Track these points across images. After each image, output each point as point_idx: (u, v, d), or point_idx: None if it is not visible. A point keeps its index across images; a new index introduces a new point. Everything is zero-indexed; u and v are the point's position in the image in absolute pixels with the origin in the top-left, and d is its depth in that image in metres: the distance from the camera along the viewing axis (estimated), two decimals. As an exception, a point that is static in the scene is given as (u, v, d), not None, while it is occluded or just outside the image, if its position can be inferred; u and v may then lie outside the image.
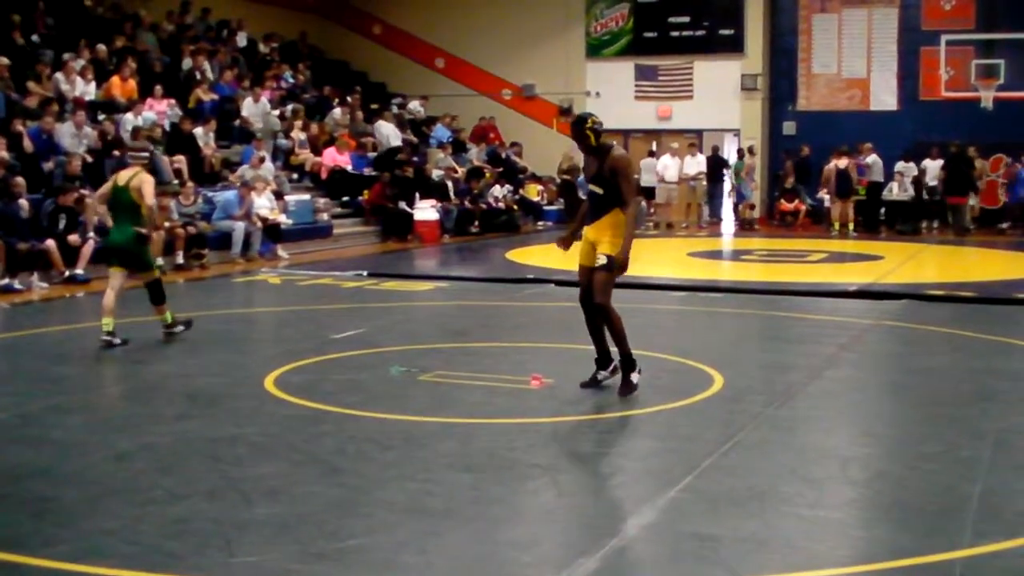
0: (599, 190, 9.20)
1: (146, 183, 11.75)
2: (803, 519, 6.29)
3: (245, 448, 7.66)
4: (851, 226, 27.00)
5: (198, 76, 25.48)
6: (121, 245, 11.98)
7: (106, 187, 12.28)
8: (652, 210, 29.56)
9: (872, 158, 27.47)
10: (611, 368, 9.44)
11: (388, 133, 27.66)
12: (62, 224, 16.91)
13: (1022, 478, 7.14)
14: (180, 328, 12.26)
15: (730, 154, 31.29)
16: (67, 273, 16.68)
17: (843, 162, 26.92)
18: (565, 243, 9.66)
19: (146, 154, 13.26)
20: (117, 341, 11.66)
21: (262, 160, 22.49)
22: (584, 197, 9.61)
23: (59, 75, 21.88)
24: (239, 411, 8.82)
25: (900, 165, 28.19)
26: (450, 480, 6.92)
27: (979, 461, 7.38)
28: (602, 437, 8.35)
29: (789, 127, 30.92)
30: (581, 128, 9.21)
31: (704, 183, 29.82)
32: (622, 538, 5.91)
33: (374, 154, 26.74)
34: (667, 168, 29.39)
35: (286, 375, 10.09)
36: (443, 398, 9.27)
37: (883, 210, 28.03)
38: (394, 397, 9.32)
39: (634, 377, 9.15)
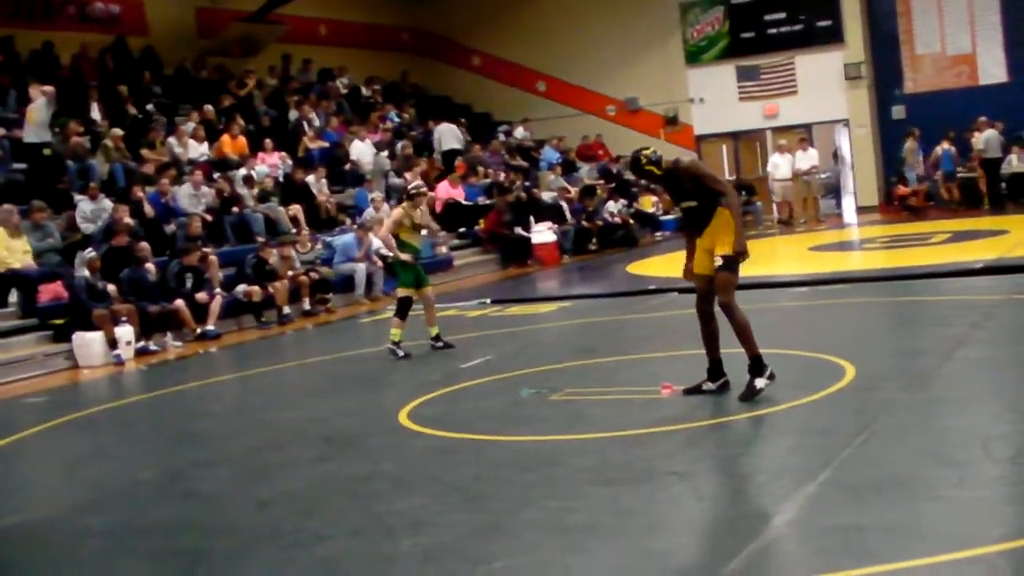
0: (693, 203, 9.20)
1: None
2: (948, 501, 6.21)
3: (385, 483, 7.76)
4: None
5: (305, 126, 25.88)
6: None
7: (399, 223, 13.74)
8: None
9: (986, 134, 26.93)
10: (720, 383, 9.36)
11: (443, 135, 28.00)
12: (189, 283, 17.27)
13: None
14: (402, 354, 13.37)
15: (841, 144, 31.01)
16: (198, 330, 17.03)
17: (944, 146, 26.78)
18: (689, 273, 9.56)
19: (424, 188, 14.57)
20: (440, 345, 13.56)
21: (383, 201, 22.73)
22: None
23: (172, 139, 22.37)
24: (376, 448, 8.94)
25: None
26: (590, 495, 6.95)
27: (1124, 426, 7.24)
28: (737, 439, 8.33)
29: (898, 111, 30.49)
30: (641, 168, 9.30)
31: (819, 177, 29.54)
32: (765, 538, 5.88)
33: (487, 181, 26.91)
34: (778, 167, 29.16)
35: (419, 408, 10.19)
36: (575, 415, 9.31)
37: (1003, 184, 27.46)
38: (527, 420, 9.38)
39: (759, 383, 8.98)
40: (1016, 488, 6.46)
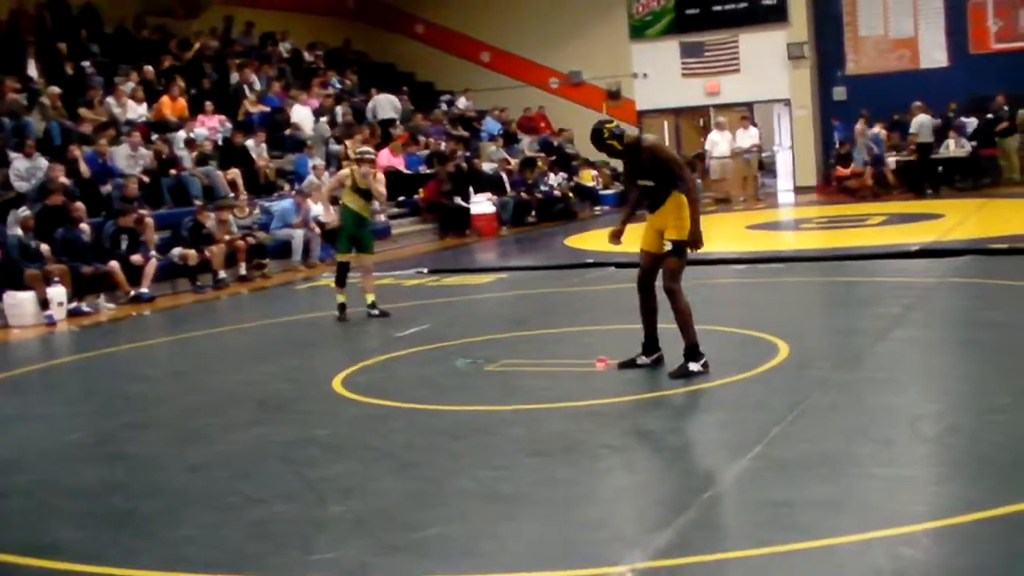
0: (649, 183, 9.19)
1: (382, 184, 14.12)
2: (876, 479, 6.28)
3: (318, 449, 7.73)
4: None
5: (246, 90, 25.67)
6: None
7: (341, 182, 14.11)
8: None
9: (918, 118, 27.12)
10: (654, 357, 9.41)
11: (379, 104, 27.99)
12: (124, 245, 17.09)
13: (1096, 423, 7.08)
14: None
15: (782, 123, 31.17)
16: (132, 293, 16.87)
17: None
18: (616, 236, 9.61)
19: (372, 155, 14.61)
20: (376, 312, 13.59)
21: (325, 169, 22.59)
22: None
23: (110, 99, 22.11)
24: (310, 414, 8.90)
25: (956, 121, 27.84)
26: (522, 465, 6.96)
27: (1051, 409, 7.33)
28: (670, 413, 8.38)
29: (839, 93, 30.66)
30: (602, 140, 9.19)
31: (759, 155, 29.69)
32: (696, 511, 5.91)
33: (427, 152, 26.84)
34: (716, 144, 29.31)
35: (353, 375, 10.17)
36: (510, 386, 9.32)
37: (940, 168, 27.68)
38: (461, 389, 9.38)
39: (693, 366, 9.00)
40: (943, 468, 6.54)
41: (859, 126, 28.01)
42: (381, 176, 14.24)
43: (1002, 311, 11.39)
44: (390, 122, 27.59)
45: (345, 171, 14.16)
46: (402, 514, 6.19)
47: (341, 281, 13.73)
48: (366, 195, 13.76)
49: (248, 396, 9.75)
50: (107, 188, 19.03)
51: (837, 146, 29.19)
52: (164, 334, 14.68)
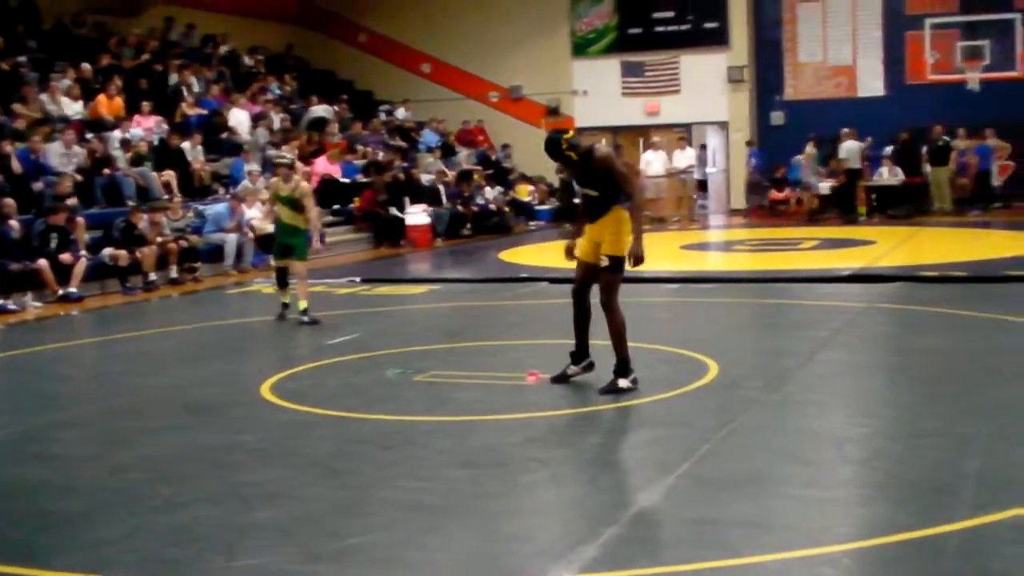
0: (594, 192, 9.18)
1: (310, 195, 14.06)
2: (801, 500, 6.32)
3: (244, 455, 7.67)
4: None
5: (184, 91, 25.49)
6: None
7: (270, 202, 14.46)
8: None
9: (846, 144, 27.35)
10: (584, 364, 9.43)
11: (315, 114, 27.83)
12: (54, 243, 16.90)
13: (1018, 453, 7.14)
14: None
15: (716, 145, 31.46)
16: (60, 292, 16.67)
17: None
18: (571, 252, 9.53)
19: (286, 160, 14.45)
20: (307, 320, 13.56)
21: (260, 175, 22.46)
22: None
23: (44, 96, 21.87)
24: (237, 419, 8.84)
25: (889, 150, 28.14)
26: (449, 477, 6.94)
27: (976, 437, 7.39)
28: (599, 429, 8.39)
29: (777, 117, 30.94)
30: (559, 150, 9.07)
31: (695, 176, 29.85)
32: (621, 525, 5.92)
33: (364, 161, 26.77)
34: (650, 164, 29.39)
35: (282, 382, 10.10)
36: (440, 398, 9.29)
37: (874, 196, 27.97)
38: (391, 399, 9.34)
39: (622, 383, 9.01)
40: (865, 490, 6.58)
41: (809, 149, 28.15)
42: (305, 185, 14.09)
43: (930, 338, 11.50)
44: (323, 122, 27.37)
45: (272, 180, 14.19)
46: (328, 522, 6.15)
47: (282, 283, 13.94)
48: (293, 204, 13.73)
49: (175, 399, 9.67)
50: (39, 185, 18.80)
51: (751, 171, 29.55)
52: (91, 335, 14.53)
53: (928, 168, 27.39)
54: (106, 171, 20.20)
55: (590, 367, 9.39)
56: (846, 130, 27.42)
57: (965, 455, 6.99)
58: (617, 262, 9.07)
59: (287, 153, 14.88)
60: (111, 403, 9.75)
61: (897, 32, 29.58)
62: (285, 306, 13.92)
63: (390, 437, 8.00)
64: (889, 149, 28.01)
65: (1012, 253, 18.75)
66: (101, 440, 8.40)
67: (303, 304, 13.69)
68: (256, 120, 25.86)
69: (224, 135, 24.75)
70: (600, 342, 9.29)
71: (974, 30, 28.61)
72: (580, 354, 9.44)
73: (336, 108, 29.44)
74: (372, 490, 6.74)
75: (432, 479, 6.89)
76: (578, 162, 9.16)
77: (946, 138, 27.15)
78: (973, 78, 28.21)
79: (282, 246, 13.82)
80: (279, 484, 6.91)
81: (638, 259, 9.03)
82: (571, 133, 9.29)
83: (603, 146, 9.49)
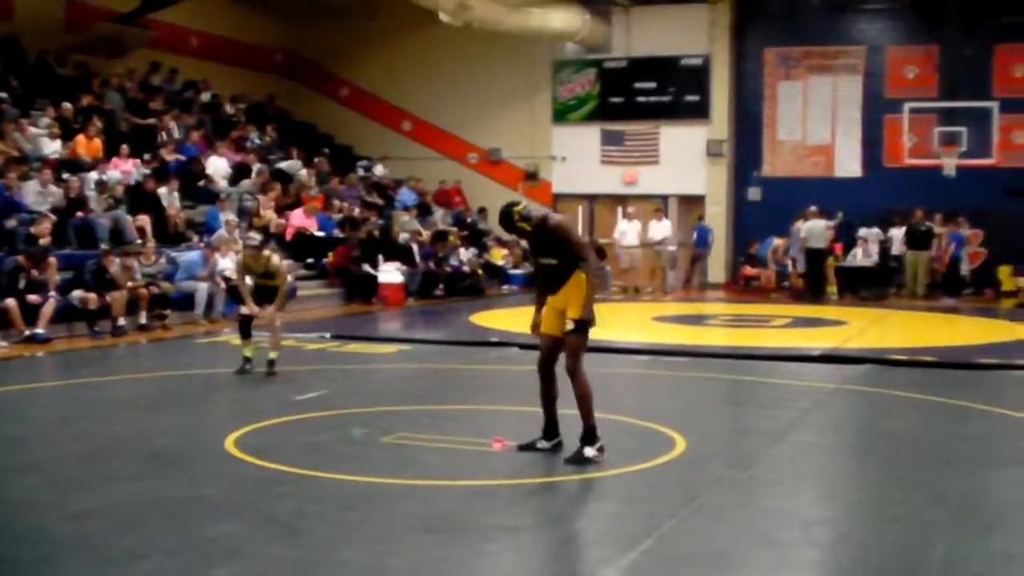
0: (553, 261, 9.19)
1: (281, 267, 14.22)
2: (765, 582, 6.27)
3: (204, 508, 7.59)
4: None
5: (164, 136, 25.46)
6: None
7: (246, 276, 14.17)
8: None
9: (809, 223, 27.42)
10: (554, 443, 9.38)
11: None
12: (23, 283, 16.78)
13: (982, 541, 7.13)
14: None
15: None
16: (27, 332, 16.54)
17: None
18: (536, 329, 9.52)
19: (258, 240, 14.39)
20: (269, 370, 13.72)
21: (237, 225, 22.41)
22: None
23: (17, 135, 21.78)
24: (199, 471, 8.75)
25: (864, 231, 28.29)
26: (411, 542, 6.87)
27: (940, 524, 7.39)
28: (564, 499, 8.33)
29: (754, 193, 31.08)
30: (512, 222, 9.15)
31: (670, 248, 29.91)
32: (583, 601, 5.87)
33: (340, 216, 26.75)
34: (625, 234, 29.48)
35: (247, 436, 10.01)
36: (405, 460, 9.21)
37: (845, 276, 28.08)
38: (355, 459, 9.26)
39: (588, 452, 8.98)
40: (831, 574, 6.54)
41: (797, 224, 28.14)
42: (276, 260, 14.10)
43: (898, 421, 11.50)
44: (286, 175, 27.34)
45: (241, 257, 14.34)
46: (285, 582, 6.07)
47: (245, 334, 13.85)
48: (266, 276, 13.91)
49: (137, 448, 9.57)
50: (12, 223, 18.69)
51: (692, 245, 29.77)
52: (56, 377, 14.42)
53: (906, 251, 27.56)
54: (80, 213, 20.11)
55: (559, 446, 9.34)
56: (812, 209, 27.53)
57: (930, 542, 6.98)
58: (581, 325, 9.05)
59: (255, 235, 14.82)
60: (72, 448, 9.64)
61: (876, 114, 29.84)
62: (247, 360, 13.84)
63: (353, 498, 7.93)
64: (871, 231, 28.15)
65: (981, 340, 18.85)
66: (60, 486, 8.28)
67: (273, 355, 13.66)
68: (235, 169, 25.81)
69: (201, 182, 24.70)
70: (568, 411, 9.24)
71: (952, 116, 28.85)
72: (550, 431, 9.40)
73: (316, 160, 29.47)
74: (332, 552, 6.66)
75: (393, 543, 6.81)
76: (532, 232, 9.19)
77: (928, 223, 27.36)
78: (949, 164, 28.40)
79: (257, 296, 13.85)
80: (238, 540, 6.83)
81: (590, 320, 9.06)
82: (522, 205, 9.29)
83: (556, 214, 9.50)
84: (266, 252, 14.00)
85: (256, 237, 14.43)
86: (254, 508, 7.61)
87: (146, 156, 24.11)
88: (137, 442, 9.83)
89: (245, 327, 13.90)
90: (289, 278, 14.30)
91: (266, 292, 13.93)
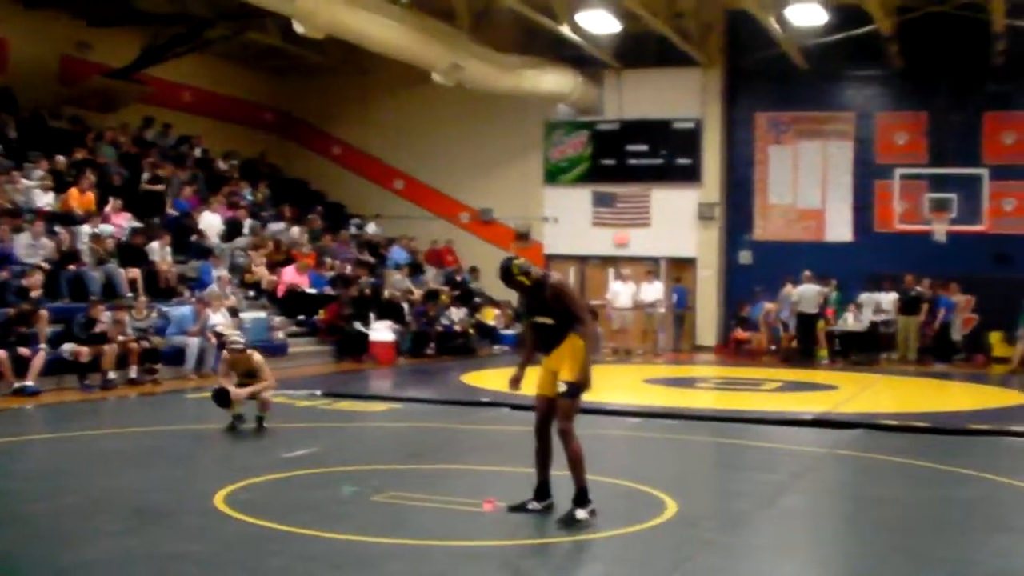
0: (549, 321, 9.18)
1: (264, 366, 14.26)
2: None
3: (191, 565, 7.53)
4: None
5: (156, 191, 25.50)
6: None
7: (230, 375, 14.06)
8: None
9: (801, 288, 27.49)
10: (546, 504, 9.34)
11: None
12: (12, 337, 16.74)
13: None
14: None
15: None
16: (16, 384, 16.48)
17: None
18: (516, 382, 9.56)
19: (242, 343, 14.38)
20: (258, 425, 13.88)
21: (229, 281, 22.39)
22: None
23: (10, 187, 21.79)
24: (187, 528, 8.68)
25: (864, 296, 28.31)
26: (400, 602, 6.82)
27: (933, 593, 7.35)
28: (553, 562, 8.27)
29: (745, 256, 31.18)
30: (512, 277, 9.15)
31: (661, 310, 29.93)
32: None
33: (332, 273, 26.77)
34: (617, 295, 29.53)
35: (236, 492, 9.95)
36: (395, 519, 9.16)
37: (838, 340, 28.12)
38: (345, 517, 9.20)
39: (580, 514, 8.93)
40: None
41: (787, 288, 28.15)
42: (257, 358, 14.18)
43: (889, 487, 11.46)
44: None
45: (224, 354, 14.41)
46: (273, 642, 6.02)
47: (224, 404, 13.94)
48: (248, 375, 14.03)
49: (125, 502, 9.51)
50: (3, 275, 18.67)
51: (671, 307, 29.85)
52: (44, 430, 14.35)
53: (896, 316, 27.62)
54: (71, 266, 20.10)
55: (550, 508, 9.29)
56: (807, 273, 27.59)
57: (922, 612, 6.94)
58: (575, 388, 9.03)
59: (239, 338, 14.82)
60: (59, 502, 9.57)
61: (867, 180, 30.00)
62: (237, 417, 13.84)
63: (342, 556, 7.87)
64: (872, 296, 28.20)
65: (972, 406, 18.85)
66: (46, 540, 8.21)
67: (263, 412, 13.73)
68: (228, 225, 25.84)
69: (193, 237, 24.72)
70: (560, 472, 9.20)
71: (942, 183, 29.01)
72: (542, 492, 9.36)
73: (309, 217, 29.52)
74: (321, 611, 6.61)
75: (383, 603, 6.77)
76: (530, 288, 9.19)
77: (919, 288, 27.44)
78: (940, 230, 28.57)
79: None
80: (226, 599, 6.78)
81: (586, 383, 9.06)
82: (522, 259, 9.30)
83: (556, 274, 9.51)
84: (248, 352, 14.12)
85: (240, 341, 14.42)
86: (242, 566, 7.56)
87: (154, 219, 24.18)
88: (125, 497, 9.77)
89: (223, 398, 13.88)
90: (272, 380, 14.22)
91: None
